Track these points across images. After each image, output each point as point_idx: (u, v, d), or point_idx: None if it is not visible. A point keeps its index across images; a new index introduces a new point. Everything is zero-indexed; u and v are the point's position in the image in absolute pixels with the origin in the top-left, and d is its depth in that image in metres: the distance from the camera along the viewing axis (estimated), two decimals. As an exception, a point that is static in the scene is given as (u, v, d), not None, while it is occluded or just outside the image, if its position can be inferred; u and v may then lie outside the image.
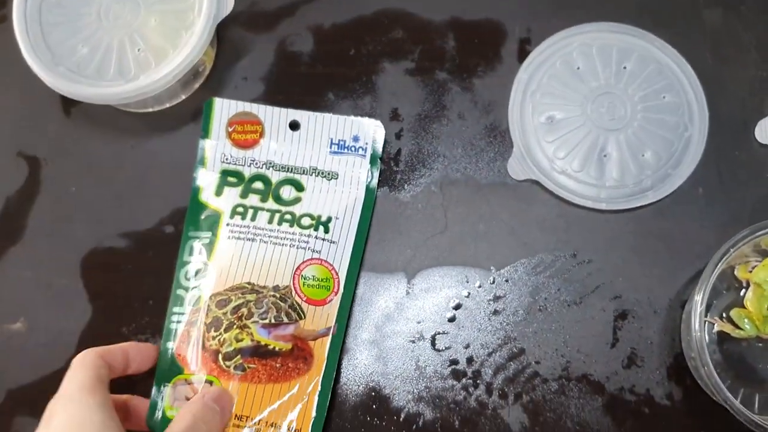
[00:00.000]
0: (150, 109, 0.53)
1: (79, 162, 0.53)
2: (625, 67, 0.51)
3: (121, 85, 0.48)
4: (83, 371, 0.41)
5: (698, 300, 0.43)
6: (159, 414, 0.45)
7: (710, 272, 0.44)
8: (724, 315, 0.48)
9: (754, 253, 0.47)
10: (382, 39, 0.54)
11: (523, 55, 0.53)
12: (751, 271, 0.47)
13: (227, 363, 0.45)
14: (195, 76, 0.53)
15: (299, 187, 0.50)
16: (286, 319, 0.46)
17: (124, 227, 0.52)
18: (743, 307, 0.47)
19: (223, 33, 0.55)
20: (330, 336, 0.47)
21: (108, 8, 0.50)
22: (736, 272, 0.48)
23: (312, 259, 0.48)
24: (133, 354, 0.44)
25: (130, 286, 0.50)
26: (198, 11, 0.49)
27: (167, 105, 0.53)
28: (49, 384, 0.49)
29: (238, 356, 0.46)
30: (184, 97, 0.53)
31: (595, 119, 0.51)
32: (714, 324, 0.47)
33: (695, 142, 0.50)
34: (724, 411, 0.43)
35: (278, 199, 0.49)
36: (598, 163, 0.50)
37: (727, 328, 0.47)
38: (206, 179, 0.50)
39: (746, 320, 0.46)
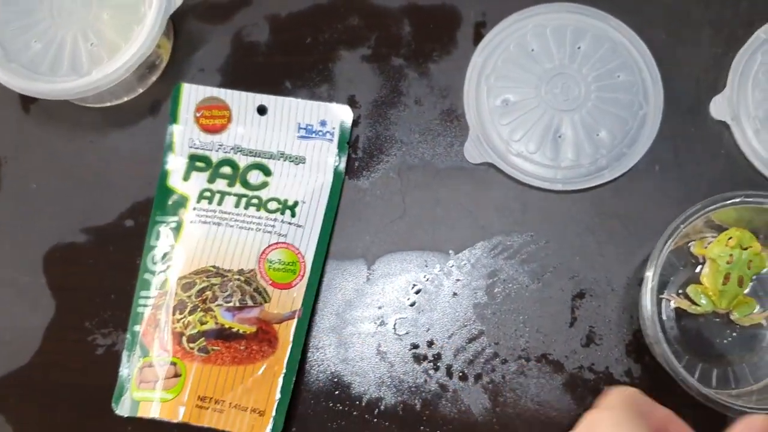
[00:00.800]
0: (108, 104, 0.53)
1: (40, 159, 0.53)
2: (579, 48, 0.51)
3: (74, 80, 0.48)
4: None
5: (649, 276, 0.44)
6: (126, 396, 0.46)
7: (660, 248, 0.44)
8: (681, 291, 0.48)
9: (708, 228, 0.48)
10: (338, 26, 0.54)
11: (478, 38, 0.53)
12: (706, 247, 0.47)
13: (191, 345, 0.46)
14: (151, 69, 0.53)
15: (267, 172, 0.50)
16: (250, 303, 0.47)
17: (86, 222, 0.52)
18: (700, 283, 0.48)
19: (180, 25, 0.55)
20: (296, 319, 0.48)
21: (60, 4, 0.50)
22: (692, 248, 0.48)
23: (278, 243, 0.48)
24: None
25: (93, 281, 0.51)
26: (149, 4, 0.49)
27: (125, 99, 0.53)
28: (15, 379, 0.50)
29: (202, 338, 0.46)
30: (141, 90, 0.53)
31: (550, 100, 0.51)
32: (671, 300, 0.48)
33: (650, 120, 0.50)
34: (682, 387, 0.44)
35: (245, 184, 0.50)
36: (553, 144, 0.50)
37: (684, 305, 0.47)
38: (175, 164, 0.50)
39: (702, 296, 0.47)
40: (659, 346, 0.43)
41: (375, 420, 0.48)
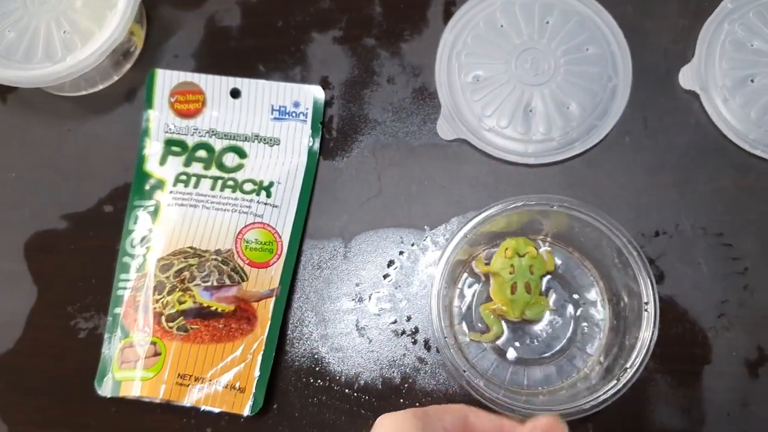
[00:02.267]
0: (84, 92, 0.54)
1: (19, 148, 0.54)
2: (547, 22, 0.52)
3: (49, 67, 0.49)
4: None
5: (436, 276, 0.44)
6: (108, 376, 0.47)
7: (447, 255, 0.45)
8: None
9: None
10: (309, 9, 0.55)
11: (448, 16, 0.53)
12: (487, 263, 0.48)
13: (170, 324, 0.47)
14: (126, 57, 0.53)
15: (242, 154, 0.51)
16: (228, 282, 0.48)
17: (65, 209, 0.52)
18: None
19: (153, 12, 0.55)
20: (273, 297, 0.48)
21: (33, -7, 0.51)
22: (474, 268, 0.48)
23: (254, 223, 0.49)
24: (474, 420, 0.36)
25: (74, 266, 0.51)
26: (120, -10, 0.50)
27: (100, 87, 0.54)
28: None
29: (181, 317, 0.47)
30: (116, 78, 0.54)
31: (520, 75, 0.51)
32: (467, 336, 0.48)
33: (620, 92, 0.51)
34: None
35: (221, 167, 0.50)
36: (524, 119, 0.51)
37: (476, 337, 0.47)
38: (151, 149, 0.51)
39: (492, 318, 0.47)
40: (443, 351, 0.43)
41: (355, 394, 0.48)
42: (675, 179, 0.50)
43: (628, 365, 0.42)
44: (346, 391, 0.48)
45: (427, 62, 0.53)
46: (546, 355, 0.47)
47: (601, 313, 0.48)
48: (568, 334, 0.48)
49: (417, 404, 0.48)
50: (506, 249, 0.46)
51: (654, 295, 0.43)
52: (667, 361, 0.47)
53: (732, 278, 0.49)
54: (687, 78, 0.51)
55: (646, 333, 0.42)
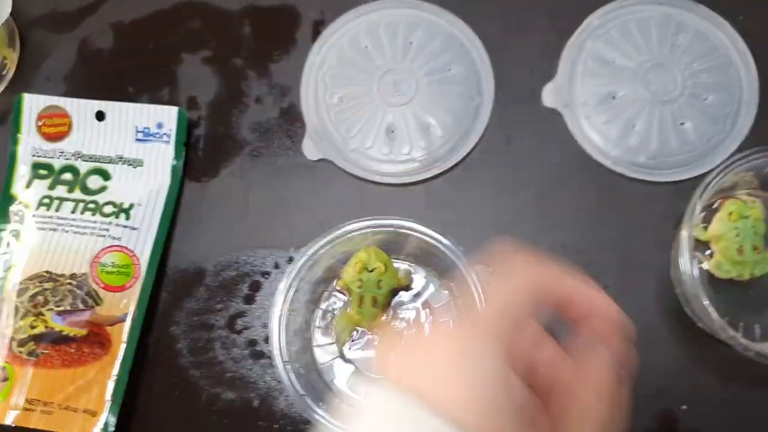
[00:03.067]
0: (-45, 116, 0.54)
1: None
2: (411, 43, 0.52)
3: None
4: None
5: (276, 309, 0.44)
6: None
7: (289, 282, 0.45)
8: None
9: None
10: (180, 30, 0.55)
11: (317, 37, 0.53)
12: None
13: (20, 349, 0.47)
14: (-4, 80, 0.54)
15: (106, 176, 0.51)
16: (81, 306, 0.48)
17: (-65, 233, 0.53)
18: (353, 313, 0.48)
19: (27, 35, 0.55)
20: (129, 321, 0.48)
21: None
22: (336, 285, 0.49)
23: (111, 246, 0.49)
24: (580, 298, 0.30)
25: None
26: (-23, 16, 0.50)
27: (-28, 110, 0.54)
28: None
29: (32, 342, 0.47)
30: (-13, 101, 0.54)
31: (383, 96, 0.51)
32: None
33: (484, 111, 0.51)
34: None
35: (85, 189, 0.51)
36: (387, 139, 0.51)
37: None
38: (19, 173, 0.51)
39: (345, 329, 0.48)
40: (281, 374, 0.43)
41: (214, 417, 0.48)
42: (537, 197, 0.50)
43: None
44: (204, 413, 0.48)
45: (295, 82, 0.53)
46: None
47: (456, 332, 0.48)
48: (424, 354, 0.48)
49: (275, 426, 0.48)
50: (356, 263, 0.46)
51: None
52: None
53: (593, 296, 0.49)
54: (550, 96, 0.51)
55: None
